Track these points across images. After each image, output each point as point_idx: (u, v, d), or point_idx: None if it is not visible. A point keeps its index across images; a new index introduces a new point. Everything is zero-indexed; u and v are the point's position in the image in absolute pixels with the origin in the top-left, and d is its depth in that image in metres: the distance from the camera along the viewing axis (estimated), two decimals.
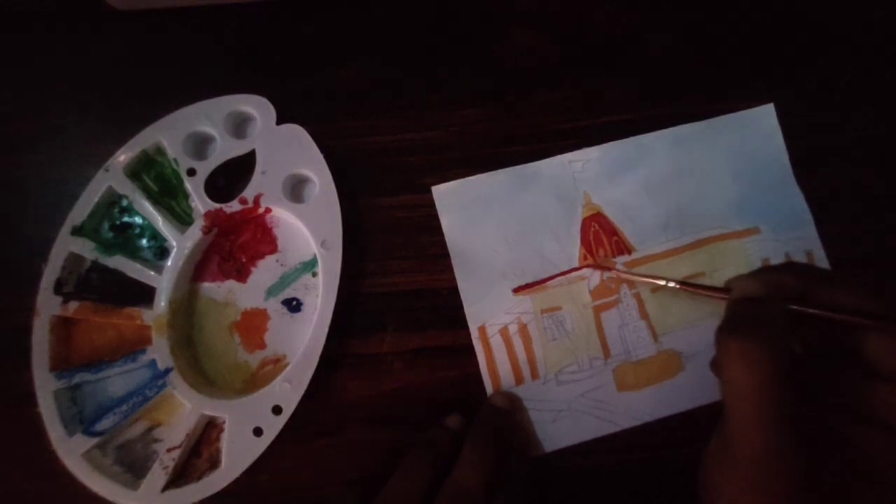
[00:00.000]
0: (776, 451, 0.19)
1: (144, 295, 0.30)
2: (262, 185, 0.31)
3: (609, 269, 0.31)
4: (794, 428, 0.19)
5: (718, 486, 0.21)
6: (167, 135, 0.31)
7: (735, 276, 0.25)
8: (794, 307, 0.22)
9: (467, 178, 0.32)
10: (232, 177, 0.32)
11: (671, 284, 0.29)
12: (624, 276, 0.31)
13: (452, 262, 0.32)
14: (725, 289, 0.25)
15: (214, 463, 0.28)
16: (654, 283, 0.30)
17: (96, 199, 0.31)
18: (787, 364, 0.20)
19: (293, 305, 0.31)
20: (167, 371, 0.29)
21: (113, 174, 0.31)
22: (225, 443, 0.28)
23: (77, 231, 0.31)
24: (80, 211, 0.31)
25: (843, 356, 0.22)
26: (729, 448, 0.21)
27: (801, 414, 0.20)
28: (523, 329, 0.31)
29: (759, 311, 0.22)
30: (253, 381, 0.30)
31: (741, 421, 0.20)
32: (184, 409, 0.29)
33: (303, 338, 0.29)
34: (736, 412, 0.20)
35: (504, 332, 0.31)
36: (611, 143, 0.33)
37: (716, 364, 0.23)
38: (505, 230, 0.32)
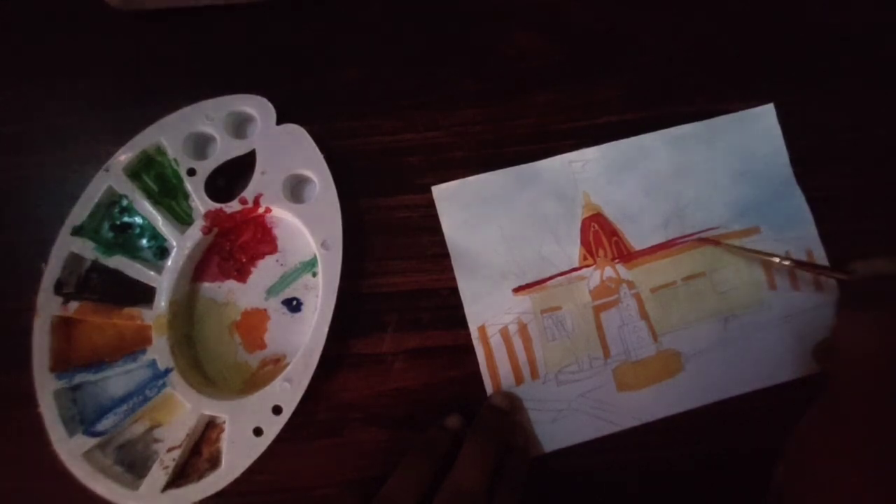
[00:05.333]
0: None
1: (144, 295, 0.30)
2: (262, 185, 0.31)
3: (716, 243, 0.31)
4: None
5: (830, 480, 0.21)
6: (167, 135, 0.31)
7: (859, 260, 0.26)
8: None
9: (467, 178, 0.32)
10: (232, 177, 0.32)
11: (786, 263, 0.29)
12: (731, 250, 0.31)
13: (452, 262, 0.32)
14: (844, 270, 0.26)
15: (214, 463, 0.28)
16: (768, 259, 0.30)
17: (96, 199, 0.31)
18: None
19: (293, 305, 0.31)
20: (167, 371, 0.29)
21: (113, 174, 0.31)
22: (225, 443, 0.28)
23: (77, 231, 0.31)
24: (81, 211, 0.31)
25: None
26: (849, 435, 0.20)
27: None
28: (523, 329, 0.31)
29: (885, 288, 0.23)
30: (253, 381, 0.30)
31: (874, 392, 0.20)
32: (184, 409, 0.29)
33: (303, 338, 0.29)
34: (866, 386, 0.20)
35: (504, 332, 0.31)
36: (611, 144, 0.33)
37: (831, 346, 0.23)
38: (505, 230, 0.32)
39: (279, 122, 0.32)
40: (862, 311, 0.22)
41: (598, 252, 0.32)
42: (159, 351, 0.29)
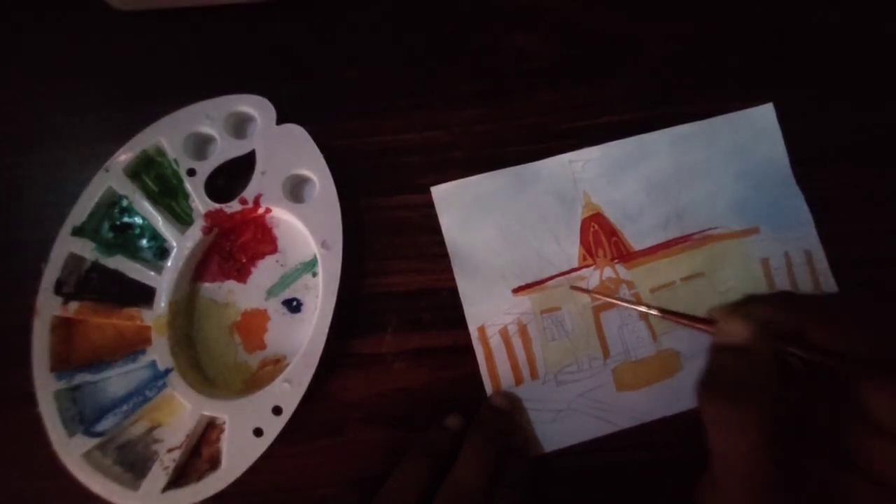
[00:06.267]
0: None
1: (144, 295, 0.30)
2: (262, 186, 0.31)
3: (587, 291, 0.31)
4: (785, 490, 0.18)
5: None
6: (167, 135, 0.31)
7: (718, 307, 0.23)
8: (786, 349, 0.21)
9: (467, 179, 0.32)
10: (232, 177, 0.32)
11: (653, 312, 0.28)
12: (602, 299, 0.31)
13: (452, 262, 0.32)
14: (709, 320, 0.23)
15: (215, 463, 0.28)
16: (638, 309, 0.30)
17: (96, 200, 0.31)
18: (774, 427, 0.19)
19: (293, 306, 0.31)
20: (167, 371, 0.29)
21: (113, 174, 0.31)
22: (225, 443, 0.28)
23: (77, 231, 0.31)
24: (81, 211, 0.31)
25: (841, 401, 0.20)
26: (718, 498, 0.20)
27: (794, 468, 0.19)
28: (523, 329, 0.31)
29: (742, 368, 0.20)
30: (253, 382, 0.30)
31: (728, 482, 0.19)
32: (184, 409, 0.29)
33: (303, 338, 0.29)
34: (723, 473, 0.20)
35: (504, 332, 0.31)
36: (611, 143, 0.33)
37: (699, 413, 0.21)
38: (504, 230, 0.32)
39: (279, 122, 0.32)
40: (712, 402, 0.20)
41: (598, 252, 0.32)
42: (159, 351, 0.29)
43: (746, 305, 0.22)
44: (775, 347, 0.21)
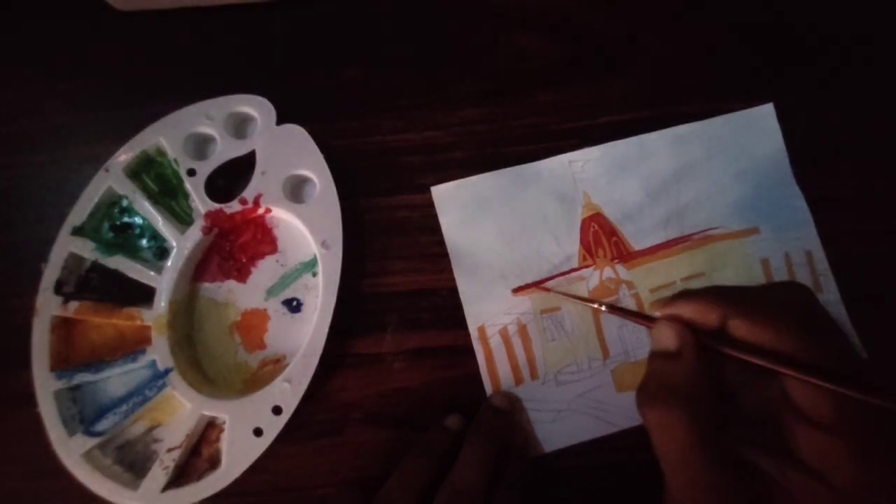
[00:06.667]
0: None
1: (144, 295, 0.30)
2: (262, 186, 0.31)
3: (545, 290, 0.31)
4: (724, 482, 0.19)
5: None
6: (167, 135, 0.31)
7: (658, 300, 0.23)
8: (711, 344, 0.21)
9: (467, 179, 0.32)
10: (232, 177, 0.32)
11: (602, 308, 0.28)
12: (555, 294, 0.31)
13: (452, 262, 0.32)
14: (652, 318, 0.23)
15: (214, 463, 0.28)
16: (582, 303, 0.30)
17: (96, 199, 0.31)
18: (707, 424, 0.19)
19: (293, 305, 0.31)
20: (167, 371, 0.29)
21: (113, 174, 0.31)
22: (225, 443, 0.28)
23: (77, 231, 0.31)
24: (80, 211, 0.31)
25: (775, 389, 0.21)
26: (668, 497, 0.21)
27: (731, 461, 0.19)
28: (523, 329, 0.31)
29: (670, 374, 0.21)
30: (253, 381, 0.30)
31: (672, 480, 0.20)
32: (184, 409, 0.29)
33: (303, 338, 0.29)
34: (666, 471, 0.20)
35: (503, 332, 0.31)
36: (611, 143, 0.33)
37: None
38: (504, 230, 0.32)
39: (279, 122, 0.32)
40: (647, 407, 0.20)
41: (598, 252, 0.32)
42: (159, 351, 0.29)
43: (677, 303, 0.22)
44: (703, 345, 0.21)
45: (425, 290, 0.32)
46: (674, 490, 0.20)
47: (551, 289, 0.31)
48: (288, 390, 0.28)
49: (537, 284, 0.31)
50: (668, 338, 0.22)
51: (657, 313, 0.23)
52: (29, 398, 0.29)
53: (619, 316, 0.27)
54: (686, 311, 0.22)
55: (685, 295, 0.22)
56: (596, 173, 0.33)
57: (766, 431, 0.21)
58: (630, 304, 0.31)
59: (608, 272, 0.32)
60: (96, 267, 0.31)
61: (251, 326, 0.31)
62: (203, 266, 0.32)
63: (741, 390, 0.22)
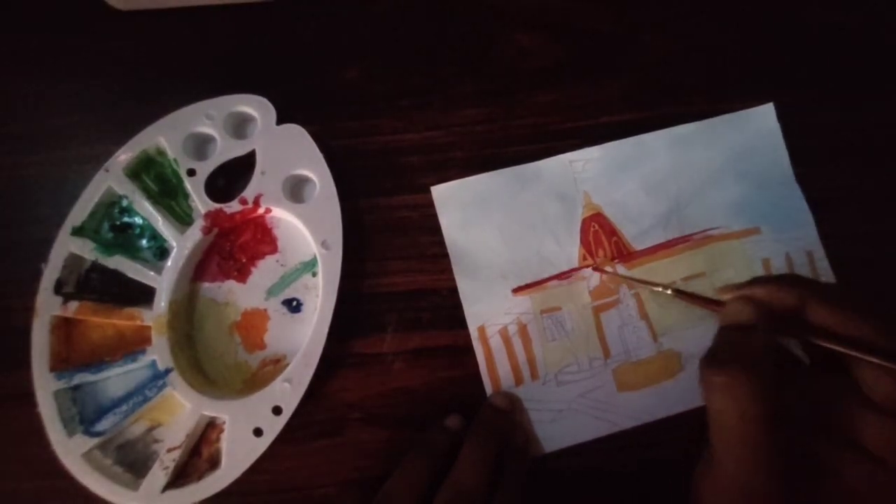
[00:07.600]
0: (760, 485, 0.19)
1: (144, 295, 0.30)
2: (262, 186, 0.31)
3: (608, 272, 0.31)
4: (779, 461, 0.19)
5: None
6: (167, 135, 0.31)
7: (728, 285, 0.24)
8: (785, 332, 0.21)
9: (467, 178, 0.32)
10: (232, 177, 0.32)
11: (668, 292, 0.29)
12: (623, 279, 0.31)
13: (452, 262, 0.32)
14: (720, 301, 0.24)
15: (214, 463, 0.28)
16: (652, 287, 0.30)
17: (96, 199, 0.31)
18: (773, 398, 0.19)
19: (293, 305, 0.31)
20: (167, 371, 0.29)
21: (113, 174, 0.31)
22: (225, 443, 0.28)
23: (77, 231, 0.31)
24: (80, 211, 0.31)
25: (839, 377, 0.21)
26: (715, 473, 0.20)
27: (788, 441, 0.19)
28: (523, 329, 0.31)
29: (745, 343, 0.21)
30: (253, 381, 0.30)
31: (725, 453, 0.20)
32: (184, 409, 0.29)
33: (303, 338, 0.29)
34: (720, 443, 0.20)
35: (503, 332, 0.31)
36: (611, 143, 0.33)
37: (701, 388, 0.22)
38: (504, 230, 0.32)
39: (279, 122, 0.32)
40: (715, 371, 0.20)
41: (598, 252, 0.32)
42: (159, 351, 0.29)
43: (752, 285, 0.23)
44: (776, 328, 0.21)
45: (425, 290, 0.32)
46: (724, 461, 0.20)
47: (619, 274, 0.31)
48: (288, 390, 0.28)
49: (537, 284, 0.31)
50: (744, 311, 0.22)
51: (726, 297, 0.23)
52: (29, 398, 0.29)
53: (687, 301, 0.28)
54: (761, 293, 0.22)
55: (760, 279, 0.23)
56: (596, 173, 0.33)
57: (823, 417, 0.21)
58: (631, 303, 0.31)
59: (608, 274, 0.31)
60: (96, 267, 0.31)
61: (251, 326, 0.31)
62: (203, 266, 0.32)
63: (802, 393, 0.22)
